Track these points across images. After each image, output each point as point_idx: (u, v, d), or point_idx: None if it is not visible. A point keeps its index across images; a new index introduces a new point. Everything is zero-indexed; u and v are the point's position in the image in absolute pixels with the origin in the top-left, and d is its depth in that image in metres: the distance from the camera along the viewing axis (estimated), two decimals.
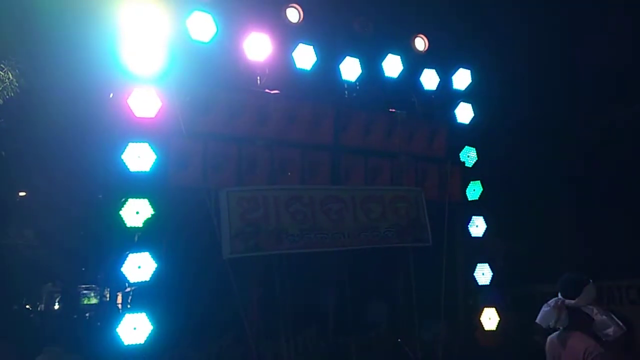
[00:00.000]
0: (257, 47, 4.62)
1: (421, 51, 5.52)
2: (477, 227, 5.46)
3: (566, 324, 3.10)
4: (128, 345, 3.75)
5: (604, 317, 3.01)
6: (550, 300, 3.17)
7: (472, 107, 5.67)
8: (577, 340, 3.00)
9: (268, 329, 4.29)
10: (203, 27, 4.41)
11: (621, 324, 2.99)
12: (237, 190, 4.37)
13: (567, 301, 3.08)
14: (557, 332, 3.20)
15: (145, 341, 3.78)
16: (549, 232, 7.68)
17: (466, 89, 5.69)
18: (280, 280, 4.34)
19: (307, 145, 4.86)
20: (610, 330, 3.00)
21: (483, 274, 5.34)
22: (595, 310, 3.02)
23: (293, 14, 4.86)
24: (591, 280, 3.09)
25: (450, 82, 5.66)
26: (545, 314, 3.18)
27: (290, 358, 4.35)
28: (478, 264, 5.35)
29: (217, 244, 4.18)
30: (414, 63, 5.46)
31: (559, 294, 3.18)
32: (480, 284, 5.32)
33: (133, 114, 4.04)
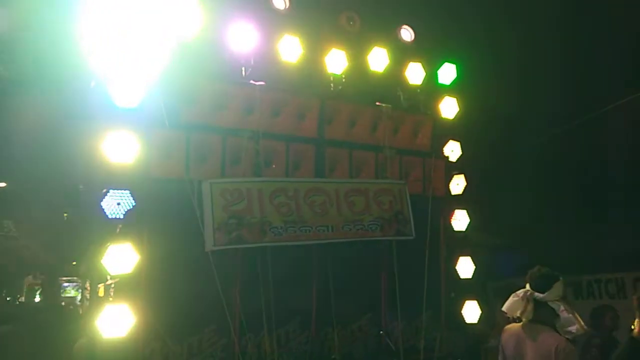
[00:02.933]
0: (243, 37, 4.57)
1: (408, 42, 5.53)
2: (460, 220, 5.50)
3: (531, 316, 3.16)
4: (108, 337, 3.72)
5: (570, 315, 3.06)
6: (519, 291, 3.24)
7: (457, 102, 5.70)
8: (546, 335, 3.07)
9: (250, 321, 4.27)
10: (189, 17, 4.35)
11: (583, 324, 3.05)
12: (221, 182, 4.34)
13: (535, 294, 3.13)
14: (519, 324, 3.24)
15: (126, 334, 3.75)
16: (530, 227, 7.79)
17: (451, 83, 5.71)
18: (263, 272, 4.32)
19: (292, 138, 4.84)
20: (573, 328, 3.05)
21: (465, 267, 5.39)
22: (562, 307, 3.07)
23: (279, 2, 4.83)
24: (561, 278, 3.16)
25: (435, 76, 5.67)
26: (513, 303, 3.26)
27: (272, 350, 4.35)
28: (460, 257, 5.40)
29: (200, 236, 4.15)
30: (400, 57, 5.47)
31: (528, 286, 3.23)
32: (462, 277, 5.37)
33: (115, 103, 3.98)
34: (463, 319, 5.26)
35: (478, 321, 5.26)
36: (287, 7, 4.82)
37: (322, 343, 4.69)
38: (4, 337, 4.79)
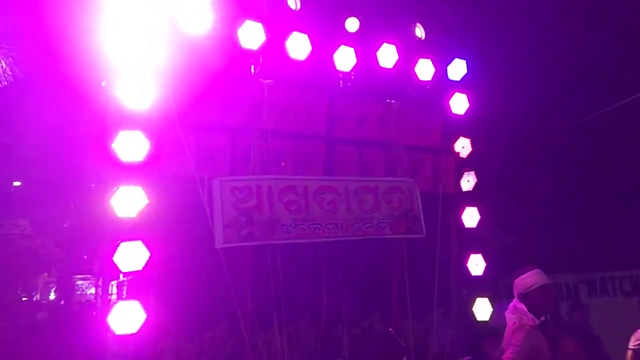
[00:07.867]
0: (251, 35, 4.57)
1: (420, 38, 5.49)
2: (471, 218, 5.46)
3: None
4: (120, 334, 3.75)
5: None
6: None
7: (467, 98, 5.65)
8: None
9: (261, 319, 4.29)
10: (198, 16, 4.37)
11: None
12: (231, 180, 4.36)
13: None
14: None
15: (137, 331, 3.79)
16: (541, 224, 7.70)
17: (461, 79, 5.66)
18: (273, 270, 4.34)
19: (301, 135, 4.84)
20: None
21: (476, 265, 5.35)
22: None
23: (292, 1, 4.82)
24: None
25: (445, 72, 5.63)
26: None
27: (283, 348, 4.36)
28: (471, 255, 5.36)
29: (210, 234, 4.17)
30: (410, 53, 5.43)
31: None
32: (473, 274, 5.33)
33: (125, 103, 4.02)
34: (474, 316, 5.22)
35: (489, 319, 5.21)
36: (298, 7, 4.81)
37: (332, 341, 4.70)
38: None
